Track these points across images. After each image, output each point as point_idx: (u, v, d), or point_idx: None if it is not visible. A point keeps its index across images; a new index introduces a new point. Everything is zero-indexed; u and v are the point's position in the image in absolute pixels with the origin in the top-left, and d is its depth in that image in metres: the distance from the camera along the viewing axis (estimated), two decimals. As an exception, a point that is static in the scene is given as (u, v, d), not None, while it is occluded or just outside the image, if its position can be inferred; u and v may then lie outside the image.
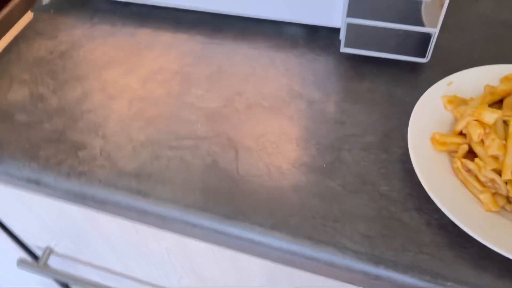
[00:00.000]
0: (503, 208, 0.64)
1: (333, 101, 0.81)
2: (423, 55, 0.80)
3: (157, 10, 0.99)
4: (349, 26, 0.79)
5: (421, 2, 0.73)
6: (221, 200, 0.70)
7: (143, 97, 0.84)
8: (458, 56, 0.86)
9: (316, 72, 0.85)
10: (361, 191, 0.69)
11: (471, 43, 0.88)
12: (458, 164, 0.67)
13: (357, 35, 0.81)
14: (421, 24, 0.77)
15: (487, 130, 0.66)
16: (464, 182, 0.67)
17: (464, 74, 0.79)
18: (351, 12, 0.77)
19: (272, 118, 0.79)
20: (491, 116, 0.66)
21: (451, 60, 0.85)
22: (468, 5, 0.95)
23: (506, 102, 0.72)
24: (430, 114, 0.74)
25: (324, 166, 0.73)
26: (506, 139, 0.65)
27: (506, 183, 0.63)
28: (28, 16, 0.98)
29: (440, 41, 0.89)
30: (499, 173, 0.64)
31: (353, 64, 0.86)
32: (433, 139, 0.70)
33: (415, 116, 0.74)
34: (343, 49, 0.84)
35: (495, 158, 0.65)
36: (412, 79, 0.82)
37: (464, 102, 0.74)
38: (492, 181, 0.64)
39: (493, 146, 0.64)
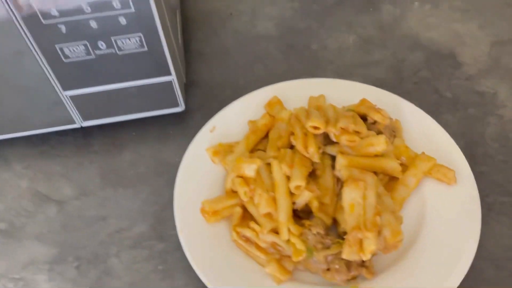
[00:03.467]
0: (296, 269, 0.54)
1: (91, 192, 0.65)
2: (176, 104, 0.68)
3: None
4: (75, 99, 0.64)
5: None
6: None
7: None
8: (223, 88, 0.75)
9: (64, 161, 0.69)
10: (141, 308, 0.55)
11: (234, 69, 0.78)
12: (234, 235, 0.55)
13: (94, 104, 0.66)
14: (168, 73, 0.64)
15: (252, 186, 0.55)
16: (248, 254, 0.55)
17: (225, 113, 0.68)
18: (66, 85, 0.62)
19: (14, 244, 0.61)
20: (249, 168, 0.55)
21: (217, 96, 0.74)
22: (222, 22, 0.85)
23: (270, 138, 0.62)
24: (199, 177, 0.62)
25: (89, 288, 0.57)
26: (274, 190, 0.55)
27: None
28: None
29: (200, 76, 0.77)
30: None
31: (106, 135, 0.71)
32: (203, 211, 0.57)
33: (180, 185, 0.61)
34: (85, 123, 0.68)
35: (270, 215, 0.54)
36: (179, 134, 0.70)
37: (230, 150, 0.63)
38: (274, 245, 0.54)
39: (262, 203, 0.54)
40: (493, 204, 0.60)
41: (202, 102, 0.73)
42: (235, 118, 0.67)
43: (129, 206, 0.63)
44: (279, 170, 0.55)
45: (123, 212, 0.63)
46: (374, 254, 0.54)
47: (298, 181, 0.53)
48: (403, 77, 0.75)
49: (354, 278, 0.53)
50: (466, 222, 0.55)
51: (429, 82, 0.73)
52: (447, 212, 0.56)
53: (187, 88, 0.75)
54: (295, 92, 0.69)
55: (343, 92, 0.67)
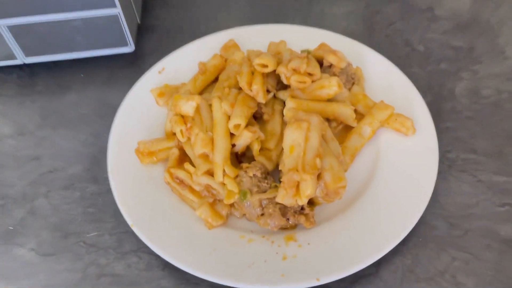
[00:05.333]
0: (232, 215, 0.50)
1: (28, 131, 0.61)
2: (125, 43, 0.63)
3: None
4: (15, 30, 0.59)
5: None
6: None
7: None
8: (182, 34, 0.70)
9: (5, 100, 0.64)
10: (62, 250, 0.51)
11: (197, 16, 0.73)
12: (167, 176, 0.51)
13: (35, 37, 0.61)
14: (112, 4, 0.59)
15: (189, 124, 0.51)
16: (181, 198, 0.51)
17: (177, 55, 0.63)
18: (2, 11, 0.57)
19: None
20: (188, 105, 0.51)
21: (174, 41, 0.69)
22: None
23: (219, 79, 0.57)
24: (140, 118, 0.57)
25: (11, 228, 0.53)
26: (212, 130, 0.50)
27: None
28: None
29: (159, 21, 0.72)
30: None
31: (53, 75, 0.67)
32: (137, 152, 0.53)
33: (118, 124, 0.56)
34: (27, 60, 0.64)
35: (206, 157, 0.50)
36: (129, 78, 0.65)
37: (177, 91, 0.58)
38: (208, 187, 0.49)
39: (198, 142, 0.49)
40: (454, 161, 0.55)
41: (158, 47, 0.68)
42: (186, 61, 0.62)
43: (66, 147, 0.59)
44: (219, 108, 0.50)
45: (58, 153, 0.58)
46: (316, 204, 0.49)
47: (238, 119, 0.49)
48: (375, 29, 0.69)
49: (293, 227, 0.48)
50: (421, 174, 0.50)
51: (402, 35, 0.68)
52: (401, 164, 0.52)
53: (143, 32, 0.71)
54: (255, 39, 0.64)
55: (305, 39, 0.62)
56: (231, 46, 0.62)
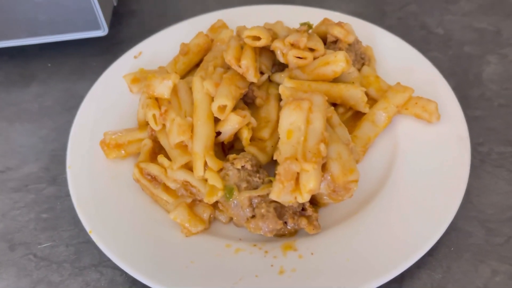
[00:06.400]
0: (217, 219, 0.40)
1: (-19, 127, 0.52)
2: (97, 26, 0.55)
3: None
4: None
5: None
6: None
7: None
8: (165, 19, 0.62)
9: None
10: (5, 264, 0.41)
11: (183, 1, 0.65)
12: (136, 172, 0.41)
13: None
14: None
15: (164, 108, 0.41)
16: (153, 199, 0.41)
17: (157, 38, 0.54)
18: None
19: None
20: (163, 86, 0.41)
21: (156, 27, 0.60)
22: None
23: (204, 60, 0.48)
24: (109, 107, 0.48)
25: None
26: (192, 115, 0.41)
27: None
28: None
29: (141, 6, 0.64)
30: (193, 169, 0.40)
31: (16, 64, 0.58)
32: (102, 144, 0.43)
33: (83, 115, 0.47)
34: (-15, 47, 0.55)
35: (184, 147, 0.40)
36: (102, 67, 0.55)
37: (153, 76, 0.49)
38: (186, 185, 0.40)
39: (174, 129, 0.40)
40: (488, 155, 0.45)
41: (137, 33, 0.60)
42: (167, 44, 0.53)
43: (23, 143, 0.50)
44: (200, 89, 0.41)
45: (13, 149, 0.49)
46: (321, 204, 0.40)
47: (223, 99, 0.39)
48: (386, 11, 0.61)
49: (292, 234, 0.38)
50: (449, 169, 0.41)
51: (417, 17, 0.60)
52: (424, 157, 0.42)
53: (122, 17, 0.63)
54: (248, 20, 0.55)
55: (305, 20, 0.53)
56: (220, 26, 0.53)
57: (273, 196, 0.35)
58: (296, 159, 0.35)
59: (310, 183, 0.34)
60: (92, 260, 0.41)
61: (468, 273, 0.38)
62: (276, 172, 0.35)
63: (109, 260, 0.40)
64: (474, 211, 0.41)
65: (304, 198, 0.35)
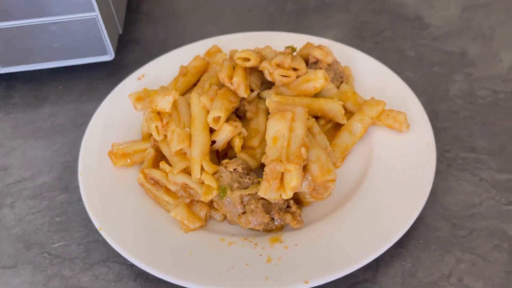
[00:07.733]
0: (212, 218, 0.45)
1: (-2, 142, 0.57)
2: (105, 52, 0.61)
3: None
4: (-11, 38, 0.57)
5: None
6: None
7: None
8: (166, 46, 0.68)
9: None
10: (22, 262, 0.46)
11: (183, 30, 0.72)
12: (141, 177, 0.46)
13: (11, 44, 0.59)
14: (91, 9, 0.57)
15: (165, 120, 0.47)
16: (156, 201, 0.47)
17: (158, 62, 0.61)
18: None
19: None
20: (164, 101, 0.47)
21: (158, 53, 0.66)
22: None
23: (201, 80, 0.54)
24: (116, 123, 0.54)
25: (-32, 241, 0.48)
26: (190, 126, 0.47)
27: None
28: None
29: (144, 35, 0.71)
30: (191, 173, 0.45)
31: (31, 88, 0.64)
32: (110, 153, 0.49)
33: (93, 128, 0.53)
34: (3, 70, 0.61)
35: (183, 155, 0.46)
36: (109, 88, 0.62)
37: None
38: (185, 187, 0.45)
39: (174, 138, 0.45)
40: (454, 160, 0.51)
41: (140, 58, 0.66)
42: (168, 67, 0.59)
43: (37, 156, 0.55)
44: (197, 103, 0.47)
45: (29, 162, 0.55)
46: (304, 203, 0.45)
47: (217, 111, 0.45)
48: (365, 37, 0.68)
49: (279, 229, 0.44)
50: (417, 170, 0.46)
51: (392, 41, 0.66)
52: (396, 161, 0.47)
53: (127, 44, 0.69)
54: (240, 46, 0.61)
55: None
56: (215, 51, 0.60)
57: (261, 193, 0.40)
58: (281, 161, 0.40)
59: (293, 181, 0.40)
60: (100, 257, 0.45)
61: (436, 262, 0.43)
62: (264, 172, 0.41)
63: (116, 256, 0.45)
64: (441, 208, 0.47)
65: (288, 194, 0.40)
